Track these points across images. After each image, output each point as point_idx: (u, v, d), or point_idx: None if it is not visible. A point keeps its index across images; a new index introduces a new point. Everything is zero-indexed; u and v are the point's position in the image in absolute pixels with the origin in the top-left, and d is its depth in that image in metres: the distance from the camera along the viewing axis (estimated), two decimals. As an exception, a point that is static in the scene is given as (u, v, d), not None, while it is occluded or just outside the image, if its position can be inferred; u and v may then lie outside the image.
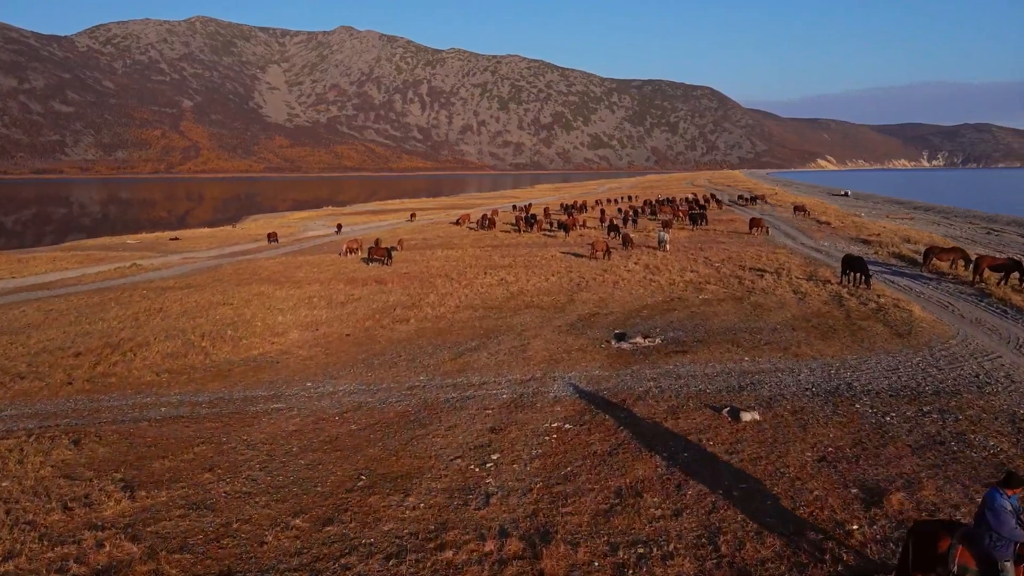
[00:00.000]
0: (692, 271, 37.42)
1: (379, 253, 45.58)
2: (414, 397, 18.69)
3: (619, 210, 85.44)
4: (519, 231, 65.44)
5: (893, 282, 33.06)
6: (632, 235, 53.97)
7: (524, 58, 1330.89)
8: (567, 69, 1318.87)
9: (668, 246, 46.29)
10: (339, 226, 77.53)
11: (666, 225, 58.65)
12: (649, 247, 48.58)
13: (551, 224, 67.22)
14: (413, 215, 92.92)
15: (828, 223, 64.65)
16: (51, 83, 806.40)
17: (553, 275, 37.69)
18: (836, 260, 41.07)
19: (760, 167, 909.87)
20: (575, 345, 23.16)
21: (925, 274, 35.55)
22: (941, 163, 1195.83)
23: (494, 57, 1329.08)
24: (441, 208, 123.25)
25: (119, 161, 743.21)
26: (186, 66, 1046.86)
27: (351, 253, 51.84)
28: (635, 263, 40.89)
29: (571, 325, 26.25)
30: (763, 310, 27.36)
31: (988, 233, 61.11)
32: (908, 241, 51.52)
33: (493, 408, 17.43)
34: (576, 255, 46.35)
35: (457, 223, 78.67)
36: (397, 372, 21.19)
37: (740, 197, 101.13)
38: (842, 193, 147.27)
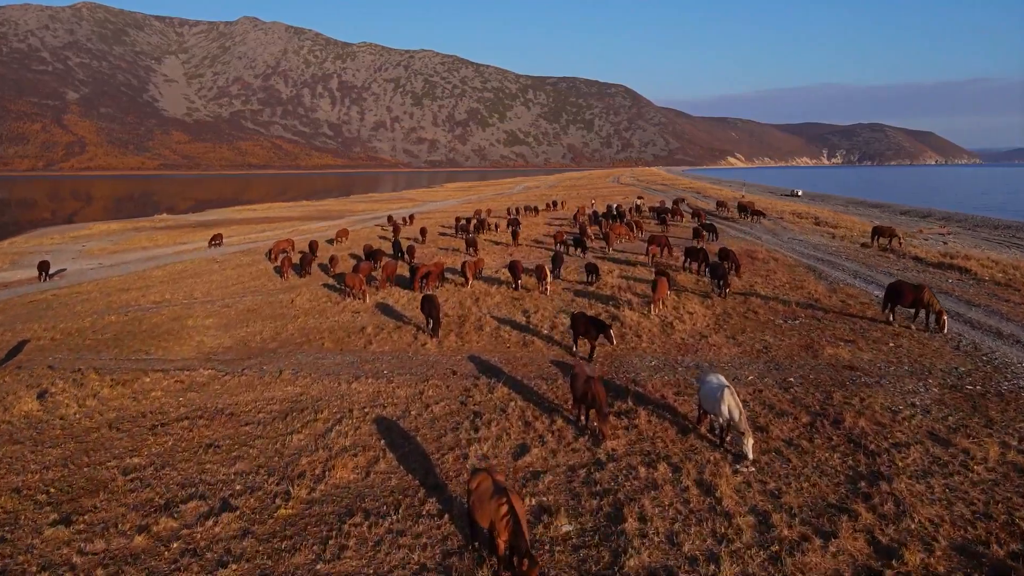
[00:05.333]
0: None
1: None
2: None
3: (555, 240, 42.19)
4: (353, 293, 31.14)
5: None
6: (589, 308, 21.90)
7: (438, 53, 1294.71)
8: (482, 65, 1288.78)
9: (751, 452, 12.34)
10: (43, 266, 42.40)
11: (660, 282, 24.72)
12: (656, 403, 16.18)
13: (413, 269, 32.37)
14: (216, 239, 56.58)
15: (959, 265, 32.74)
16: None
17: None
18: None
19: (674, 164, 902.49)
20: None
21: None
22: (840, 160, 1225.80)
23: (407, 52, 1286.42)
24: (302, 218, 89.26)
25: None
26: (71, 55, 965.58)
27: None
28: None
29: None
30: None
31: None
32: None
33: None
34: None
35: (270, 258, 45.49)
36: None
37: (719, 205, 69.24)
38: (792, 193, 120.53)
